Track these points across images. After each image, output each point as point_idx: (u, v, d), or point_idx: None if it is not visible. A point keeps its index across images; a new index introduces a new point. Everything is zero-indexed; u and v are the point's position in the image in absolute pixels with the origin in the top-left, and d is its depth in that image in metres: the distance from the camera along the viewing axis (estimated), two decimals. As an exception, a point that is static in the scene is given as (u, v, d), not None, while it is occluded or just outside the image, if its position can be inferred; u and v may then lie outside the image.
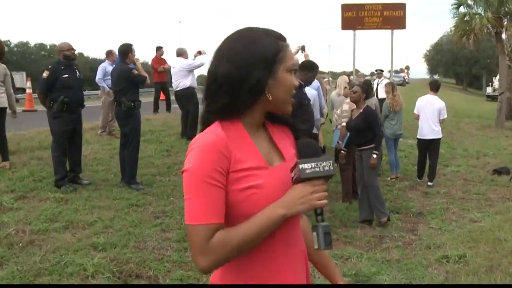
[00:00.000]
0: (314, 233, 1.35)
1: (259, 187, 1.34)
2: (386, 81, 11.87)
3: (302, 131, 5.51)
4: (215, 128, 1.37)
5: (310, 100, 5.89)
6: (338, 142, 6.45)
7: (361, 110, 5.89)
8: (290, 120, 1.56)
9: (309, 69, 5.77)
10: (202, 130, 1.42)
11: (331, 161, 1.34)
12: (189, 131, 9.81)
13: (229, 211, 1.34)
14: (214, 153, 1.31)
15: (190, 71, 9.97)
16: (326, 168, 1.33)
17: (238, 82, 1.36)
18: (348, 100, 6.95)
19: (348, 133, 6.31)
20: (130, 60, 6.94)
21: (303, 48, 8.47)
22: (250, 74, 1.36)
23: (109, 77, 9.45)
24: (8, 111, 7.47)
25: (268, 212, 1.32)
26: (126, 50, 6.89)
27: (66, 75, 6.55)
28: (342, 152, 6.36)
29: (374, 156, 5.81)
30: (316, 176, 1.33)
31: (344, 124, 6.75)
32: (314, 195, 1.32)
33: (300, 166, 1.32)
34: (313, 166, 1.32)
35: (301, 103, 5.47)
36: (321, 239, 1.34)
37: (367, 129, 5.81)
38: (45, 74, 6.45)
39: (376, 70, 14.13)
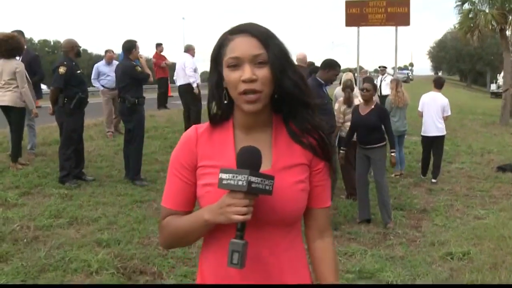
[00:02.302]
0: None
1: (215, 185, 1.28)
2: (390, 77, 11.83)
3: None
4: (200, 126, 1.46)
5: (331, 100, 5.69)
6: None
7: (372, 106, 5.65)
8: (321, 125, 1.43)
9: (330, 67, 5.58)
10: None
11: (246, 176, 1.21)
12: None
13: (199, 202, 1.43)
14: (184, 149, 1.43)
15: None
16: (240, 183, 1.21)
17: (210, 84, 1.42)
18: (340, 99, 6.84)
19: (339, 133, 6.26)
20: (134, 56, 6.95)
21: None
22: (211, 75, 1.40)
23: (103, 76, 10.13)
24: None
25: (198, 213, 1.35)
26: (130, 47, 6.92)
27: (80, 71, 6.60)
28: (341, 151, 6.02)
29: (393, 154, 5.79)
30: (230, 188, 1.23)
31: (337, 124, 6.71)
32: (232, 208, 1.23)
33: (220, 175, 1.24)
34: (229, 177, 1.23)
35: (322, 102, 5.34)
36: (228, 256, 1.24)
37: (378, 126, 5.63)
38: (63, 69, 6.37)
39: (379, 67, 14.11)
